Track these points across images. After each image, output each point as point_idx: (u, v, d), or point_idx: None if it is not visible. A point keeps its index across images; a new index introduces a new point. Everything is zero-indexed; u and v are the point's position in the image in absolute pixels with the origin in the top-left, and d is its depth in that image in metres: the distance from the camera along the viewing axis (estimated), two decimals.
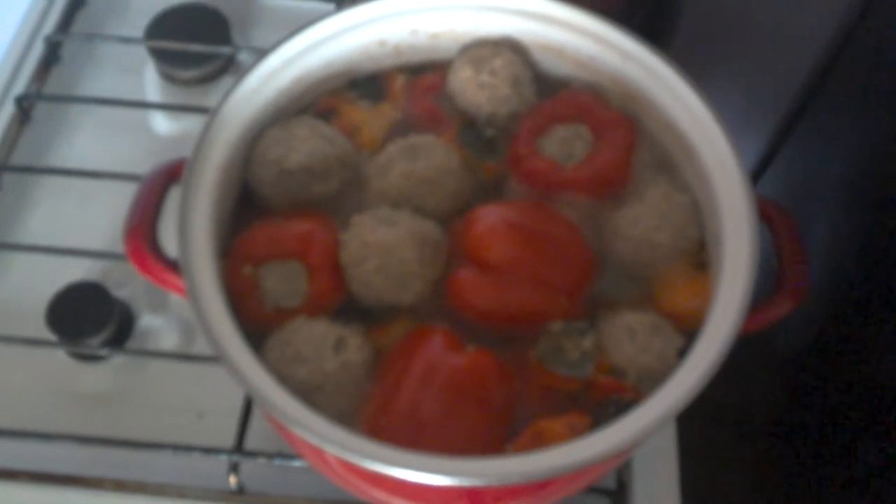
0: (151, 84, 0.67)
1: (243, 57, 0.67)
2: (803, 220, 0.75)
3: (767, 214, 0.44)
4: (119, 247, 0.44)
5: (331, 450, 0.36)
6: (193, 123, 0.64)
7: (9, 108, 0.64)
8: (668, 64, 0.45)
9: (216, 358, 0.38)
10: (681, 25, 0.62)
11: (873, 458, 0.59)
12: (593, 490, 0.51)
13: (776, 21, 0.81)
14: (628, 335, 0.41)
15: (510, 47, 0.49)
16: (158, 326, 0.57)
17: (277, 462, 0.51)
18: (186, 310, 0.57)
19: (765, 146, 0.95)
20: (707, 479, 0.67)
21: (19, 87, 0.65)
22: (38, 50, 0.66)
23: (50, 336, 0.54)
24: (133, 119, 0.65)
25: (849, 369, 0.65)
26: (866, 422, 0.61)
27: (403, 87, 0.50)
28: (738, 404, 0.87)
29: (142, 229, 0.43)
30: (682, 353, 0.40)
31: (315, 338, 0.40)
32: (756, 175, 0.97)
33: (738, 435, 0.86)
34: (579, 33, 0.47)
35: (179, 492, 0.50)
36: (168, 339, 0.57)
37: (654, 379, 0.39)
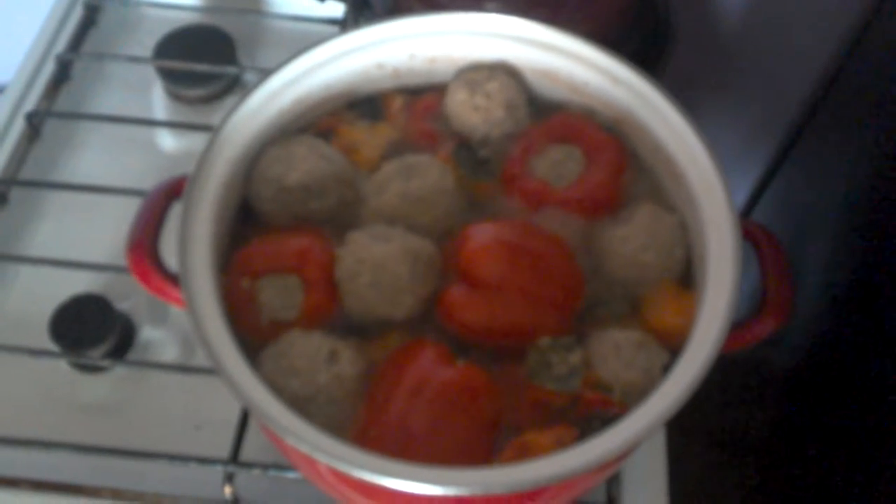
0: (158, 102, 0.69)
1: (248, 77, 0.69)
2: (800, 243, 0.76)
3: (752, 235, 0.45)
4: (122, 260, 0.46)
5: (322, 459, 0.37)
6: (198, 141, 0.65)
7: (19, 125, 0.65)
8: (656, 88, 0.46)
9: (214, 370, 0.39)
10: (677, 53, 0.63)
11: (870, 479, 0.59)
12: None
13: (771, 49, 0.82)
14: (614, 351, 0.42)
15: (505, 71, 0.50)
16: (159, 339, 0.58)
17: (272, 473, 0.51)
18: (186, 323, 0.57)
19: (761, 172, 0.96)
20: (702, 499, 0.68)
21: (30, 104, 0.66)
22: (49, 68, 0.68)
23: (53, 347, 0.55)
24: (140, 136, 0.66)
25: (844, 390, 0.66)
26: (862, 442, 0.61)
27: (401, 109, 0.51)
28: (733, 425, 0.88)
29: (144, 243, 0.44)
30: (667, 369, 0.41)
31: (309, 350, 0.41)
32: (753, 200, 0.98)
33: (734, 456, 0.86)
34: (573, 59, 0.49)
35: (175, 501, 0.51)
36: (168, 352, 0.58)
37: (639, 393, 0.40)
